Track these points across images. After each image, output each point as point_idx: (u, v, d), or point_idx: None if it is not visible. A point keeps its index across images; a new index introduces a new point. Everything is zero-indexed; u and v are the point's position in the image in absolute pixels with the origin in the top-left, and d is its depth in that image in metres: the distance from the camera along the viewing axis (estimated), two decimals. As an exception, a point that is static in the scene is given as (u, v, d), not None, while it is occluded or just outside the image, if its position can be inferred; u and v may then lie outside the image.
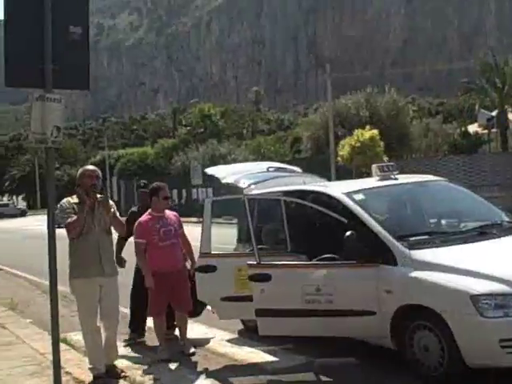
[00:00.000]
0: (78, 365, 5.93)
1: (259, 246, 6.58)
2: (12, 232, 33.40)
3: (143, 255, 6.35)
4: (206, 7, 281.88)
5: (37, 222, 39.05)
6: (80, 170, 5.72)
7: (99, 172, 5.72)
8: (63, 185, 65.50)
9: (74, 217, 5.38)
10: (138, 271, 6.82)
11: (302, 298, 5.67)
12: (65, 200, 5.55)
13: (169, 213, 6.62)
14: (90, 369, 5.57)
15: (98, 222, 5.52)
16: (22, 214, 64.97)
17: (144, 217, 6.49)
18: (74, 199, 5.54)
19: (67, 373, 5.63)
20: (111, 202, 5.75)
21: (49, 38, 5.14)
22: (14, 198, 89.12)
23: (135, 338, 7.11)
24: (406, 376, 5.22)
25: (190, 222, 21.30)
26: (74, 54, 5.31)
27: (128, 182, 49.76)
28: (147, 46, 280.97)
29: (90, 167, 5.83)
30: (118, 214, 5.71)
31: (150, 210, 6.55)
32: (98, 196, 5.55)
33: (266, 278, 5.81)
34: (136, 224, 6.46)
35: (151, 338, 7.17)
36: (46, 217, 5.23)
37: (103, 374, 5.50)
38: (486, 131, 37.99)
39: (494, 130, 37.31)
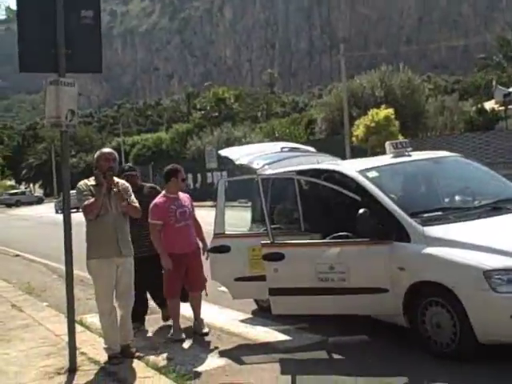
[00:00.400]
0: (93, 345, 5.98)
1: (273, 226, 6.60)
2: (29, 219, 33.77)
3: (159, 236, 6.38)
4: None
5: (53, 209, 39.45)
6: (97, 153, 5.76)
7: (116, 155, 5.77)
8: (79, 172, 66.01)
9: (92, 199, 5.44)
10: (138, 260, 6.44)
11: (315, 276, 5.67)
12: (82, 182, 5.62)
13: (182, 195, 6.66)
14: (105, 349, 5.64)
15: (115, 204, 5.58)
16: (39, 201, 65.61)
17: (159, 198, 6.52)
18: (91, 181, 5.61)
19: (82, 353, 5.69)
20: (126, 184, 5.79)
21: (61, 22, 5.20)
22: (31, 185, 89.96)
23: (138, 326, 6.79)
24: (419, 353, 5.21)
25: (206, 205, 21.41)
26: (87, 37, 5.38)
27: (143, 167, 49.92)
28: (160, 32, 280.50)
29: (107, 150, 5.89)
30: (133, 197, 5.76)
31: (164, 192, 6.58)
32: (116, 180, 5.62)
33: (279, 257, 5.82)
34: (152, 206, 6.47)
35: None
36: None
37: (118, 354, 5.56)
38: (502, 108, 37.52)
39: (510, 107, 36.82)
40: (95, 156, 5.74)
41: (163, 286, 6.50)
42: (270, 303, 6.13)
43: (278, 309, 6.01)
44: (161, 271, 6.46)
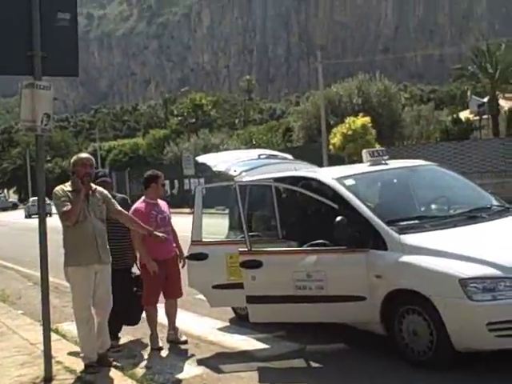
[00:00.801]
0: (69, 354, 5.91)
1: (250, 234, 6.60)
2: (3, 225, 33.32)
3: (141, 241, 6.32)
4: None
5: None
6: (74, 158, 5.70)
7: (93, 160, 5.75)
8: (55, 177, 65.37)
9: (69, 205, 5.37)
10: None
11: (292, 284, 5.67)
12: (59, 188, 5.54)
13: (160, 201, 6.66)
14: (81, 357, 5.57)
15: (93, 210, 5.54)
16: (14, 207, 64.94)
17: (140, 204, 6.49)
18: (68, 187, 5.53)
19: (58, 362, 5.62)
20: (105, 192, 5.78)
21: (37, 24, 5.14)
22: (6, 191, 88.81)
23: (116, 345, 6.42)
24: (396, 361, 5.23)
25: (183, 212, 21.33)
26: (63, 40, 5.33)
27: (120, 173, 49.64)
28: (138, 36, 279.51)
29: (84, 155, 5.82)
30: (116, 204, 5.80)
31: (143, 198, 6.56)
32: (94, 187, 5.61)
33: (257, 265, 5.81)
34: (132, 211, 6.43)
35: (141, 328, 7.17)
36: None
37: (95, 363, 5.50)
38: (477, 118, 38.06)
39: (485, 117, 37.38)
40: (72, 161, 5.68)
41: (143, 293, 6.44)
42: (247, 311, 6.13)
43: (255, 317, 6.00)
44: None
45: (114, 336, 6.36)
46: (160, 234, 6.02)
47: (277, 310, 5.85)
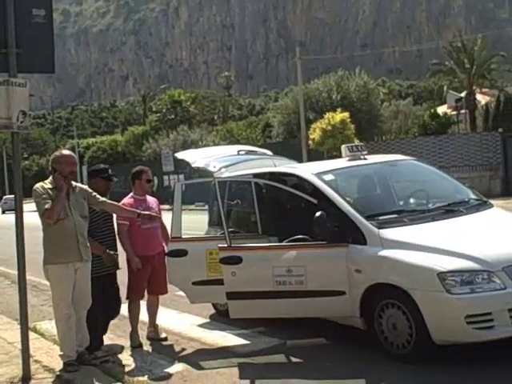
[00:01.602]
0: (47, 353, 5.86)
1: (230, 230, 6.59)
2: (-20, 223, 32.86)
3: (127, 237, 6.30)
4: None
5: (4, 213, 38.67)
6: (57, 155, 5.60)
7: (76, 158, 5.73)
8: (32, 175, 64.71)
9: (50, 203, 5.31)
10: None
11: (272, 279, 5.67)
12: (39, 185, 5.47)
13: (149, 198, 6.64)
14: (60, 356, 5.52)
15: (74, 207, 5.50)
16: (-9, 204, 64.01)
17: (127, 199, 6.49)
18: (48, 184, 5.47)
19: (36, 361, 5.57)
20: (85, 187, 5.75)
21: (11, 20, 5.08)
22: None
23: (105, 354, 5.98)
24: (376, 355, 5.26)
25: (163, 209, 21.21)
26: (38, 36, 5.28)
27: (99, 170, 49.28)
28: (115, 33, 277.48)
29: (68, 152, 5.77)
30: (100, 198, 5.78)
31: (132, 194, 6.55)
32: (74, 184, 5.55)
33: (237, 261, 5.80)
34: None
35: (121, 325, 7.13)
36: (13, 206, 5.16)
37: (74, 361, 5.45)
38: (454, 112, 38.40)
39: (462, 111, 37.73)
40: (54, 158, 5.58)
41: (127, 288, 6.41)
42: (227, 307, 6.12)
43: (236, 313, 5.99)
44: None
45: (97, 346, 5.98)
46: (147, 212, 5.96)
47: (257, 306, 5.84)
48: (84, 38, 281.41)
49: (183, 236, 6.72)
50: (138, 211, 5.95)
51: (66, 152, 5.79)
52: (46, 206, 5.30)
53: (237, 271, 5.81)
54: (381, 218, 5.60)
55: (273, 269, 5.67)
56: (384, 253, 5.18)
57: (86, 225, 5.63)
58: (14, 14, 5.08)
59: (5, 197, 44.32)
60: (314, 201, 5.80)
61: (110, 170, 6.39)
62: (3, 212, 40.22)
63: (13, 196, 5.39)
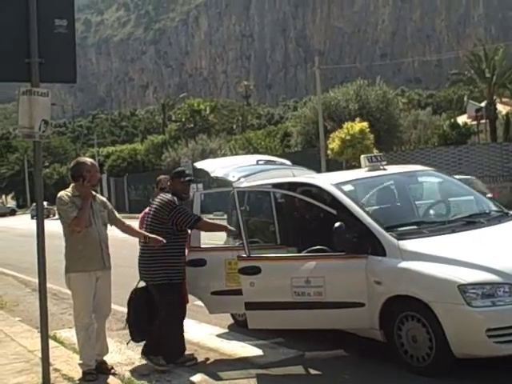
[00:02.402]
0: (67, 361, 5.89)
1: (249, 240, 6.58)
2: (1, 231, 33.22)
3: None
4: (194, 1, 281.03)
5: (26, 221, 39.05)
6: (87, 164, 5.61)
7: None
8: (53, 183, 65.30)
9: (77, 211, 5.37)
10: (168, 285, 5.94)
11: (291, 290, 5.63)
12: (63, 194, 5.52)
13: None
14: (80, 364, 5.54)
15: (97, 216, 5.57)
16: (12, 212, 64.76)
17: (148, 209, 6.52)
18: (71, 193, 5.51)
19: (56, 369, 5.60)
20: (103, 198, 5.80)
21: (34, 31, 5.13)
22: (4, 197, 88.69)
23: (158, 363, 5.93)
24: (395, 367, 5.21)
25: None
26: (60, 46, 5.31)
27: (118, 179, 49.62)
28: (135, 42, 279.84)
29: (93, 161, 5.81)
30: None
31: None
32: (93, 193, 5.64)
33: (255, 271, 5.77)
34: (141, 215, 6.63)
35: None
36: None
37: (93, 371, 5.47)
38: (475, 122, 38.10)
39: (483, 121, 37.42)
40: (84, 166, 5.56)
41: None
42: (246, 317, 6.11)
43: (254, 323, 5.96)
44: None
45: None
46: (154, 236, 5.86)
47: (275, 317, 5.81)
48: (105, 48, 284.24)
49: (202, 246, 6.74)
50: (146, 234, 5.91)
51: (91, 160, 5.84)
52: (74, 214, 5.36)
53: (255, 281, 5.78)
54: (400, 229, 5.56)
55: (291, 279, 5.63)
56: (404, 264, 5.14)
57: (107, 233, 5.68)
58: (36, 24, 5.14)
59: (34, 204, 45.21)
60: (333, 211, 5.78)
61: (187, 173, 6.35)
62: (32, 218, 40.81)
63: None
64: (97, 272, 5.50)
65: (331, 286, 5.48)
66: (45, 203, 5.32)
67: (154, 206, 6.04)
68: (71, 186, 5.61)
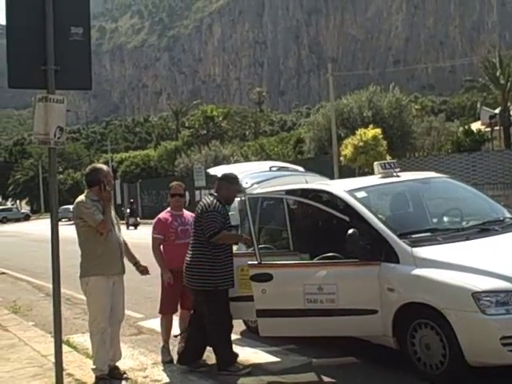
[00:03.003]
0: (80, 366, 5.91)
1: (261, 246, 6.57)
2: (15, 236, 33.46)
3: (160, 250, 6.43)
4: (208, 9, 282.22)
5: (40, 226, 39.26)
6: (102, 169, 5.71)
7: None
8: (67, 189, 65.67)
9: (101, 215, 5.43)
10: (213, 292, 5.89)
11: (303, 297, 5.60)
12: (84, 198, 5.56)
13: (187, 213, 6.70)
14: (93, 369, 5.56)
15: (114, 222, 5.64)
16: (26, 218, 65.16)
17: (163, 214, 6.61)
18: (90, 197, 5.55)
19: (69, 374, 5.62)
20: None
21: (51, 38, 5.19)
22: (18, 202, 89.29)
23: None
24: (408, 375, 5.18)
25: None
26: (76, 54, 5.36)
27: (131, 185, 49.82)
28: (149, 49, 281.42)
29: (107, 167, 5.97)
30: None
31: (169, 208, 6.66)
32: None
33: (267, 278, 5.74)
34: (155, 220, 6.60)
35: (153, 340, 7.17)
36: (49, 220, 5.25)
37: (106, 376, 5.49)
38: (488, 129, 37.90)
39: (496, 128, 37.22)
40: (102, 172, 5.64)
41: (160, 302, 6.46)
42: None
43: (265, 330, 5.90)
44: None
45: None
46: (144, 266, 5.99)
47: (287, 324, 5.77)
48: (119, 55, 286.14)
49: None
50: (137, 260, 5.97)
51: (106, 166, 5.96)
52: (101, 217, 5.41)
53: (267, 288, 5.74)
54: (414, 236, 5.53)
55: (304, 286, 5.60)
56: (417, 272, 5.11)
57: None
58: (53, 31, 5.19)
59: (62, 207, 45.29)
60: (346, 218, 5.77)
61: (235, 180, 6.32)
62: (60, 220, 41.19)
63: (64, 207, 5.48)
64: (114, 276, 5.55)
65: (344, 292, 5.46)
66: (70, 207, 5.37)
67: (197, 208, 6.07)
68: (86, 191, 5.65)
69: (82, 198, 5.58)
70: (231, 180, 6.23)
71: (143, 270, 6.01)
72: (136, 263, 5.97)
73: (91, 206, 5.46)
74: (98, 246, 5.48)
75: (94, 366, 5.56)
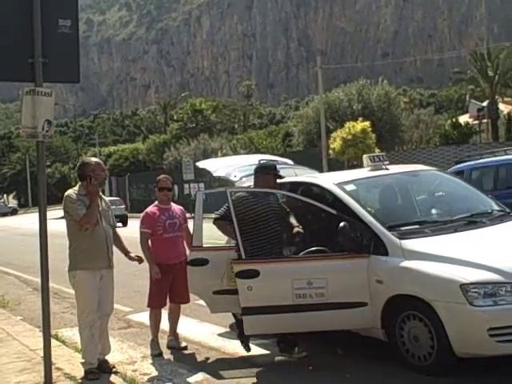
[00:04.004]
0: (68, 360, 5.89)
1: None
2: (2, 230, 33.26)
3: (147, 245, 6.40)
4: (196, 1, 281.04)
5: (28, 220, 39.05)
6: (90, 163, 5.65)
7: None
8: (54, 183, 65.36)
9: (85, 209, 5.39)
10: None
11: (292, 293, 5.46)
12: (71, 192, 5.53)
13: (175, 206, 6.68)
14: (82, 363, 5.54)
15: (103, 215, 5.61)
16: (13, 212, 64.76)
17: (151, 208, 6.58)
18: (78, 191, 5.52)
19: (58, 368, 5.60)
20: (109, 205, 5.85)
21: (38, 31, 5.13)
22: (5, 196, 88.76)
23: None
24: (397, 367, 5.19)
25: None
26: (64, 46, 5.32)
27: (120, 178, 49.66)
28: (137, 42, 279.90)
29: (98, 160, 5.87)
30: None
31: (156, 202, 6.62)
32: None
33: (253, 275, 5.49)
34: (143, 214, 6.56)
35: (142, 333, 7.16)
36: (37, 214, 5.21)
37: (95, 369, 5.48)
38: (476, 122, 38.08)
39: (484, 121, 37.40)
40: (89, 165, 5.60)
41: (148, 296, 6.45)
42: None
43: (251, 329, 5.65)
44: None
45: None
46: (134, 256, 5.94)
47: (275, 321, 5.58)
48: (107, 47, 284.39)
49: (204, 245, 6.73)
50: (127, 251, 5.93)
51: (97, 159, 5.89)
52: (84, 212, 5.38)
53: (253, 285, 5.49)
54: (402, 228, 5.55)
55: (292, 281, 5.47)
56: (406, 264, 5.13)
57: (111, 233, 5.71)
58: (40, 24, 5.14)
59: None
60: (335, 211, 5.75)
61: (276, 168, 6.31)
62: None
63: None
64: (101, 270, 5.53)
65: (334, 286, 5.42)
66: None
67: None
68: (78, 185, 5.64)
69: (69, 191, 5.57)
70: (263, 170, 6.22)
71: (136, 259, 5.94)
72: (127, 253, 5.93)
73: (76, 200, 5.43)
74: (84, 240, 5.46)
75: (83, 360, 5.55)
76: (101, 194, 5.74)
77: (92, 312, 5.48)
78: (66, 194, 5.54)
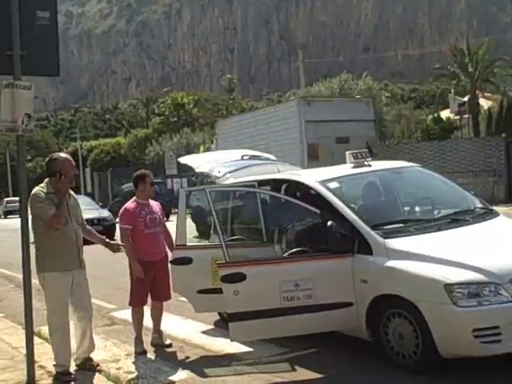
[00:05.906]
0: (52, 358, 5.79)
1: (234, 237, 6.54)
2: (-17, 225, 32.86)
3: (129, 241, 6.31)
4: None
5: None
6: (62, 159, 5.41)
7: None
8: (35, 178, 64.58)
9: (54, 208, 5.18)
10: None
11: (279, 295, 5.32)
12: (38, 190, 5.30)
13: (152, 202, 6.62)
14: (54, 365, 5.41)
15: (73, 214, 5.44)
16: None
17: (130, 203, 6.49)
18: (45, 189, 5.31)
19: (41, 366, 5.55)
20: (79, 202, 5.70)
21: (16, 23, 5.06)
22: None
23: None
24: (385, 365, 5.21)
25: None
26: (43, 39, 5.25)
27: (102, 173, 49.28)
28: (117, 34, 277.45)
29: (68, 155, 5.63)
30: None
31: (134, 197, 6.53)
32: None
33: (240, 278, 5.29)
34: (122, 210, 6.46)
35: (126, 331, 7.13)
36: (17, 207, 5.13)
37: (69, 371, 5.38)
38: (458, 117, 38.30)
39: (465, 116, 37.63)
40: (58, 161, 5.37)
41: (130, 293, 6.40)
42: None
43: (238, 335, 5.51)
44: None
45: None
46: (115, 243, 5.93)
47: (262, 326, 5.43)
48: (87, 40, 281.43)
49: (188, 244, 6.70)
50: (107, 240, 5.85)
51: (66, 155, 5.62)
52: (53, 212, 5.17)
53: (240, 289, 5.29)
54: (386, 227, 5.56)
55: (279, 284, 5.32)
56: (390, 263, 5.14)
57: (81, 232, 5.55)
58: (18, 16, 5.05)
59: (5, 200, 44.52)
60: (317, 210, 5.71)
61: None
62: (5, 216, 40.36)
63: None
64: (73, 271, 5.37)
65: (320, 287, 5.34)
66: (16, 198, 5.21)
67: None
68: (45, 181, 5.40)
69: (36, 189, 5.32)
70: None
71: (116, 248, 5.84)
72: (107, 244, 5.77)
73: (44, 199, 5.22)
74: (53, 240, 5.24)
75: (55, 362, 5.40)
76: (70, 191, 5.52)
77: (63, 314, 5.34)
78: (33, 192, 5.29)
